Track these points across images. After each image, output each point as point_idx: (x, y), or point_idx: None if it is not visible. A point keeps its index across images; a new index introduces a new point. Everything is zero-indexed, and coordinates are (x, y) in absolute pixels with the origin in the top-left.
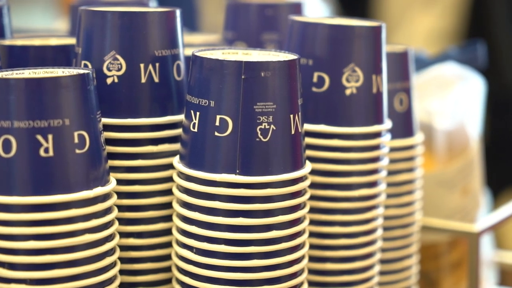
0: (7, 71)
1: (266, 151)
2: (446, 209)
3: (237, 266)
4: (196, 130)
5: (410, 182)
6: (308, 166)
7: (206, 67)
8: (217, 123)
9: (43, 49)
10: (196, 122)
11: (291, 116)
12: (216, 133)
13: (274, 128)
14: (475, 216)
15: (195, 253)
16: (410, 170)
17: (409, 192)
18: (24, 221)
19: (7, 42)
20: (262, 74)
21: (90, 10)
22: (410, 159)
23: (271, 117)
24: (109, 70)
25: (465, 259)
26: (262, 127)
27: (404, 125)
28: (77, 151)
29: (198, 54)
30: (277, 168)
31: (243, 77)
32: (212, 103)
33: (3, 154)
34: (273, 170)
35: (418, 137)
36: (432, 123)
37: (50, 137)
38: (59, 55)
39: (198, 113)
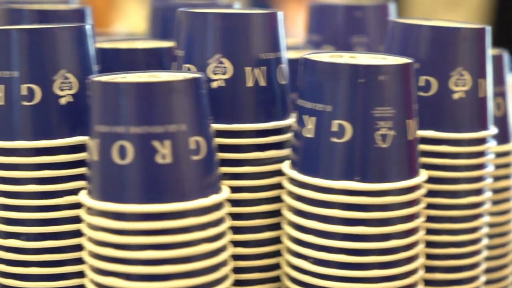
0: (111, 75)
1: (384, 157)
2: None
3: (354, 276)
4: (311, 135)
5: (507, 189)
6: (424, 173)
7: (319, 70)
8: (335, 129)
9: (134, 52)
10: (312, 127)
11: (408, 121)
12: (333, 139)
13: (394, 133)
14: None
15: (311, 262)
16: (508, 177)
17: (507, 199)
18: (142, 231)
19: (97, 45)
20: (380, 78)
21: (191, 12)
22: (508, 165)
23: (390, 122)
24: (214, 73)
25: None
26: (381, 132)
27: (501, 130)
28: (193, 157)
29: (309, 57)
30: (394, 175)
31: (361, 81)
32: (329, 108)
33: (118, 161)
34: (391, 177)
35: None
36: None
37: (167, 143)
38: (150, 58)
39: (313, 118)
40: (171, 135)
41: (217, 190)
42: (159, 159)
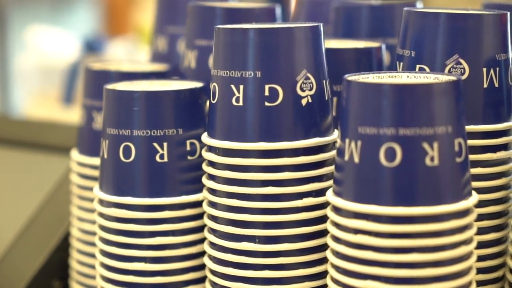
0: (359, 75)
1: None
2: None
3: None
4: None
5: None
6: None
7: None
8: None
9: (345, 52)
10: None
11: None
12: None
13: None
14: None
15: None
16: None
17: None
18: (405, 234)
19: None
20: None
21: (421, 12)
22: None
23: None
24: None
25: None
26: None
27: None
28: (457, 159)
29: None
30: None
31: None
32: None
33: (384, 163)
34: None
35: None
36: None
37: (435, 145)
38: (362, 58)
39: None
40: (439, 137)
41: (470, 192)
42: (427, 162)
